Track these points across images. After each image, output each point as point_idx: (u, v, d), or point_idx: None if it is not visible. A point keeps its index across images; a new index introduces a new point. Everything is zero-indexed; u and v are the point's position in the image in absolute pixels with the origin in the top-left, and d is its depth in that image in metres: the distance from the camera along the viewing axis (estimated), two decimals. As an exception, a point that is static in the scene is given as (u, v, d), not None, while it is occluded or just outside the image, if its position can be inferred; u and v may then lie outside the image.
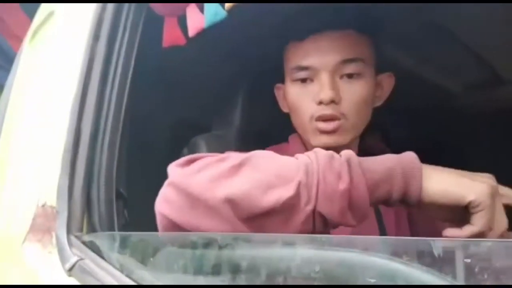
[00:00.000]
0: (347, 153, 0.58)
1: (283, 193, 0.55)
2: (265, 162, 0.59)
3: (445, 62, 1.28)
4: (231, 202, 0.56)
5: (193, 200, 0.58)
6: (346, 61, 0.79)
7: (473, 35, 1.13)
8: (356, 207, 0.56)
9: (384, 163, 0.57)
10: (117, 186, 0.80)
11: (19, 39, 1.57)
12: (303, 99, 0.82)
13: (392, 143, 1.27)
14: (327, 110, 0.79)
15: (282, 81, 0.89)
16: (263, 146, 0.93)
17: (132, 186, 0.84)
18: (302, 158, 0.59)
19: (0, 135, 1.17)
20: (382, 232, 0.85)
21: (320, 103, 0.79)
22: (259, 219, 0.56)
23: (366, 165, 0.57)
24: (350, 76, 0.80)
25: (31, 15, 1.33)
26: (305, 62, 0.81)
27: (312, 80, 0.81)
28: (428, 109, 1.55)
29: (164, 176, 0.65)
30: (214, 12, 0.78)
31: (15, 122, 1.11)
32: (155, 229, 0.64)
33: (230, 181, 0.57)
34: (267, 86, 0.95)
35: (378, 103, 0.88)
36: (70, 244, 0.67)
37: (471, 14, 1.03)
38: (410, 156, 0.58)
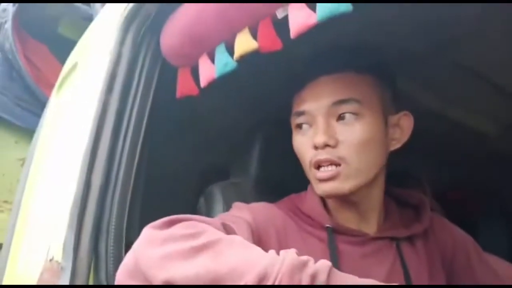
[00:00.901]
0: (320, 266, 0.52)
1: None
2: (229, 251, 0.56)
3: (475, 104, 1.23)
4: (171, 284, 0.54)
5: (138, 272, 0.58)
6: (340, 102, 0.76)
7: (502, 74, 1.08)
8: None
9: None
10: (130, 239, 0.78)
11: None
12: (303, 146, 0.79)
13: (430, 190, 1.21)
14: (322, 155, 0.75)
15: None
16: (279, 195, 0.90)
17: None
18: (268, 257, 0.54)
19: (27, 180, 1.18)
20: None
21: (316, 147, 0.76)
22: None
23: None
24: (346, 117, 0.76)
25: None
26: (301, 108, 0.79)
27: (310, 126, 0.79)
28: (462, 153, 1.48)
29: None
30: (224, 63, 0.77)
31: (38, 169, 1.13)
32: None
33: (181, 264, 0.55)
34: (284, 135, 0.92)
35: (397, 146, 0.82)
36: (72, 304, 0.65)
37: (497, 54, 0.98)
38: None
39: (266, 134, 0.99)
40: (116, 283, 0.61)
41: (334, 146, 0.75)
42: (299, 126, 0.80)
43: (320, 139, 0.74)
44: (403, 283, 0.78)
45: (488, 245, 0.97)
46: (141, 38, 0.87)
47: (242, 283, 0.52)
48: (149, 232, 0.61)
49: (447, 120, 1.24)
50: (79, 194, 0.76)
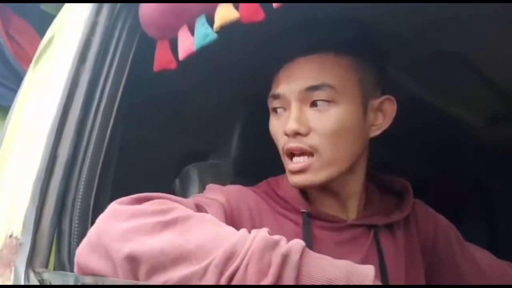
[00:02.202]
0: (293, 245, 0.49)
1: (189, 269, 0.48)
2: (198, 228, 0.52)
3: (465, 95, 1.21)
4: (133, 260, 0.51)
5: (99, 246, 0.54)
6: (312, 88, 0.71)
7: (496, 68, 1.05)
8: None
9: (328, 272, 0.47)
10: (96, 218, 0.74)
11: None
12: (277, 131, 0.76)
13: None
14: (293, 143, 0.72)
15: None
16: (258, 178, 0.87)
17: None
18: (238, 234, 0.51)
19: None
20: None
21: (286, 134, 0.72)
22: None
23: (306, 269, 0.47)
24: (320, 104, 0.72)
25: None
26: (276, 90, 0.75)
27: (285, 110, 0.75)
28: (446, 144, 1.47)
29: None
30: (204, 34, 0.73)
31: (9, 145, 1.08)
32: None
33: (146, 238, 0.52)
34: (266, 116, 0.89)
35: (377, 132, 0.78)
36: (27, 281, 0.61)
37: (492, 47, 0.96)
38: (365, 273, 0.48)
39: (247, 115, 0.95)
40: (76, 258, 0.57)
41: (305, 134, 0.71)
42: (275, 109, 0.76)
43: (291, 126, 0.70)
44: (378, 271, 0.75)
45: (469, 236, 0.95)
46: (119, 8, 0.83)
47: (208, 260, 0.48)
48: (115, 206, 0.58)
49: (432, 108, 1.22)
50: (43, 167, 0.71)
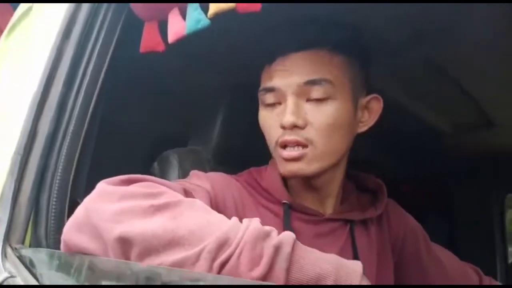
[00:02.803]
0: (284, 238, 0.50)
1: (182, 254, 0.49)
2: (189, 213, 0.53)
3: (438, 102, 1.25)
4: (125, 242, 0.51)
5: (88, 225, 0.54)
6: (311, 82, 0.73)
7: (470, 78, 1.10)
8: None
9: (318, 266, 0.49)
10: (74, 196, 0.73)
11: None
12: (270, 123, 0.77)
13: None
14: (289, 136, 0.73)
15: None
16: (239, 167, 0.88)
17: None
18: (230, 222, 0.52)
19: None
20: None
21: (283, 127, 0.73)
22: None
23: (297, 261, 0.49)
24: (318, 99, 0.74)
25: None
26: (270, 84, 0.76)
27: (280, 104, 0.76)
28: (418, 148, 1.52)
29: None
30: (196, 19, 0.72)
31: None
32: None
33: (138, 221, 0.52)
34: (250, 104, 0.89)
35: (363, 128, 0.81)
36: (4, 257, 0.60)
37: (469, 57, 1.00)
38: (353, 268, 0.50)
39: (231, 101, 0.95)
40: (62, 237, 0.57)
41: (302, 127, 0.73)
42: (267, 102, 0.77)
43: (289, 119, 0.72)
44: None
45: (431, 237, 1.00)
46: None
47: (201, 246, 0.49)
48: (104, 186, 0.57)
49: (407, 113, 1.26)
50: (23, 141, 0.70)
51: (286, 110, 0.73)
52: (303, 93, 0.74)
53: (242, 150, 0.95)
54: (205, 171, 0.82)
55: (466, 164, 1.63)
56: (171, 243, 0.50)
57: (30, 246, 0.67)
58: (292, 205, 0.78)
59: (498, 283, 0.98)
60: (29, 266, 0.58)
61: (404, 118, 1.24)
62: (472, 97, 1.20)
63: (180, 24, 0.75)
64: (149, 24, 0.81)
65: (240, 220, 0.53)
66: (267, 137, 0.78)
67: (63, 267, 0.57)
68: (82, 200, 0.75)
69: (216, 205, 0.72)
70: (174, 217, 0.52)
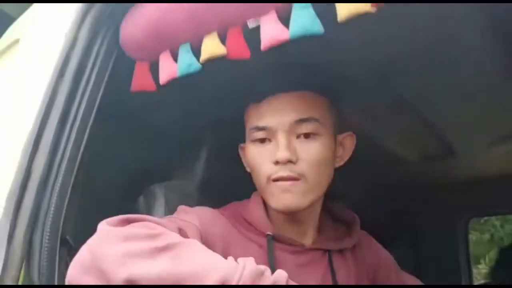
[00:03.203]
0: (277, 276, 0.55)
1: None
2: (189, 254, 0.57)
3: (403, 133, 1.33)
4: (131, 283, 0.54)
5: (94, 268, 0.57)
6: (301, 121, 0.79)
7: (434, 112, 1.18)
8: None
9: None
10: (64, 233, 0.75)
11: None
12: (261, 159, 0.81)
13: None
14: (284, 171, 0.77)
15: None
16: (223, 200, 0.91)
17: (81, 233, 0.78)
18: (227, 264, 0.56)
19: None
20: None
21: (277, 163, 0.78)
22: None
23: None
24: (306, 135, 0.79)
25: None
26: (261, 123, 0.80)
27: (270, 141, 0.81)
28: (382, 176, 1.59)
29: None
30: (188, 63, 0.76)
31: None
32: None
33: (143, 263, 0.55)
34: (233, 139, 0.93)
35: (340, 163, 0.87)
36: (1, 298, 0.61)
37: (434, 94, 1.08)
38: None
39: (215, 136, 0.99)
40: (68, 279, 0.58)
41: (295, 162, 0.77)
42: (258, 140, 0.81)
43: (284, 155, 0.76)
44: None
45: (399, 263, 1.06)
46: (100, 25, 0.84)
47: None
48: (106, 228, 0.60)
49: (373, 143, 1.33)
50: (18, 181, 0.71)
51: (279, 146, 0.77)
52: (293, 130, 0.79)
53: (226, 184, 0.98)
54: (191, 204, 0.85)
55: (430, 191, 1.72)
56: (175, 283, 0.53)
57: (23, 283, 0.67)
58: (275, 236, 0.82)
59: None
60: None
61: (370, 148, 1.31)
62: (436, 129, 1.29)
63: (172, 67, 0.79)
64: (140, 64, 0.85)
65: (230, 255, 0.58)
66: (256, 171, 0.82)
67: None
68: (71, 237, 0.77)
69: (206, 240, 0.75)
70: (176, 259, 0.55)
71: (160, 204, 0.90)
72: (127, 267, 0.54)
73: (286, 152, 0.77)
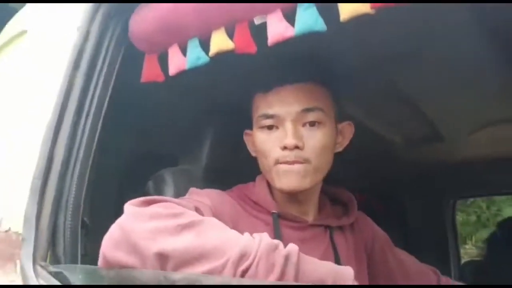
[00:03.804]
0: (290, 249, 0.61)
1: (211, 265, 0.59)
2: (211, 231, 0.63)
3: (392, 117, 1.40)
4: (162, 256, 0.61)
5: (126, 243, 0.63)
6: (307, 110, 0.86)
7: (422, 97, 1.25)
8: None
9: (318, 271, 0.61)
10: (82, 215, 0.80)
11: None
12: (269, 145, 0.87)
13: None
14: (290, 156, 0.84)
15: (250, 126, 0.94)
16: (227, 184, 0.97)
17: (96, 215, 0.84)
18: (245, 238, 0.62)
19: None
20: None
21: (285, 148, 0.84)
22: None
23: (302, 268, 0.60)
24: (312, 124, 0.86)
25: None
26: (270, 111, 0.87)
27: (277, 128, 0.87)
28: (372, 159, 1.66)
29: (121, 205, 0.68)
30: (197, 57, 0.81)
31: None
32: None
33: (170, 238, 0.62)
34: (235, 126, 0.99)
35: (339, 149, 0.94)
36: (36, 274, 0.66)
37: (422, 79, 1.14)
38: (347, 272, 0.62)
39: (217, 124, 1.05)
40: (101, 255, 0.64)
41: (301, 149, 0.84)
42: (266, 127, 0.87)
43: (292, 141, 0.83)
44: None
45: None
46: (110, 19, 0.88)
47: (225, 258, 0.59)
48: (132, 208, 0.66)
49: (364, 128, 1.39)
50: (42, 167, 0.76)
51: (287, 133, 0.84)
52: (299, 119, 0.86)
53: (230, 168, 1.04)
54: (198, 187, 0.91)
55: (419, 173, 1.80)
56: (201, 257, 0.60)
57: (49, 262, 0.73)
58: (280, 214, 0.89)
59: (456, 282, 1.13)
60: (62, 281, 0.65)
61: (360, 132, 1.37)
62: (423, 113, 1.36)
63: (181, 59, 0.84)
64: (149, 56, 0.90)
65: (254, 234, 0.64)
66: (263, 156, 0.88)
67: (94, 278, 0.65)
68: (88, 219, 0.83)
69: (217, 219, 0.81)
70: (198, 235, 0.62)
71: (169, 188, 0.96)
72: (157, 242, 0.61)
73: (293, 139, 0.83)
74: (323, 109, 0.87)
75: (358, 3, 0.65)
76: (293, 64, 0.88)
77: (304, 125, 0.86)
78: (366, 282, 0.96)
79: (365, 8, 0.65)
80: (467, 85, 1.15)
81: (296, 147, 0.83)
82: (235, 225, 0.84)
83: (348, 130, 0.95)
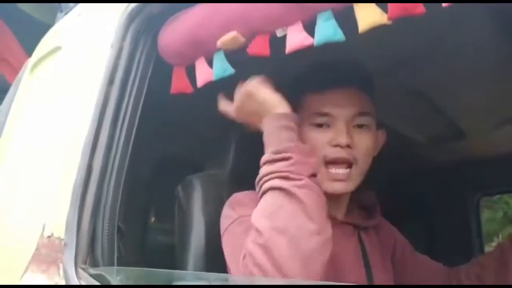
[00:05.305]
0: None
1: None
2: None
3: (415, 117, 1.41)
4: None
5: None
6: (360, 114, 0.91)
7: (443, 97, 1.26)
8: None
9: None
10: (117, 221, 0.86)
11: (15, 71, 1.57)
12: (319, 142, 0.90)
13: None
14: (342, 153, 0.88)
15: None
16: (252, 187, 1.01)
17: (130, 220, 0.90)
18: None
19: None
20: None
21: (337, 145, 0.88)
22: None
23: None
24: (360, 126, 0.91)
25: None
26: (326, 109, 0.91)
27: (328, 126, 0.91)
28: (395, 158, 1.67)
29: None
30: (223, 68, 0.86)
31: (11, 142, 1.15)
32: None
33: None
34: (257, 135, 1.03)
35: (374, 154, 0.98)
36: (78, 276, 0.72)
37: (443, 80, 1.16)
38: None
39: (241, 131, 1.09)
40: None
41: (352, 147, 0.89)
42: (318, 124, 0.92)
43: (346, 140, 0.88)
44: (362, 262, 0.94)
45: (413, 243, 1.15)
46: (140, 36, 0.93)
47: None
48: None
49: (387, 128, 1.41)
50: (82, 176, 0.82)
51: (341, 132, 0.89)
52: (352, 120, 0.91)
53: (255, 173, 1.08)
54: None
55: (442, 172, 1.81)
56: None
57: (89, 265, 0.79)
58: None
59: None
60: (102, 283, 0.71)
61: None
62: (445, 112, 1.38)
63: (208, 71, 0.88)
64: (177, 69, 0.95)
65: None
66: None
67: (131, 279, 0.70)
68: (123, 224, 0.88)
69: None
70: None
71: (197, 192, 1.01)
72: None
73: (347, 138, 0.88)
74: (371, 114, 0.92)
75: (374, 15, 0.68)
76: (343, 69, 0.93)
77: (354, 127, 0.91)
78: (392, 283, 0.98)
79: (382, 19, 0.69)
80: (486, 82, 1.17)
81: (348, 145, 0.88)
82: None
83: (382, 136, 0.99)
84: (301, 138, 0.93)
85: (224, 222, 0.90)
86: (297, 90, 0.96)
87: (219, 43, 0.84)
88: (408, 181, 1.83)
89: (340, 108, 0.90)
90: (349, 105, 0.91)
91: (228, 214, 0.90)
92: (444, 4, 0.64)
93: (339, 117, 0.90)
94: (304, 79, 0.96)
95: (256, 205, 0.86)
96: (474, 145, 1.66)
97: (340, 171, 0.88)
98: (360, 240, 0.97)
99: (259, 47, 0.82)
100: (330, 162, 0.89)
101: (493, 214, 4.80)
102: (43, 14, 1.71)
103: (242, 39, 0.83)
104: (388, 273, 1.00)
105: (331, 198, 0.93)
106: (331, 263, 0.78)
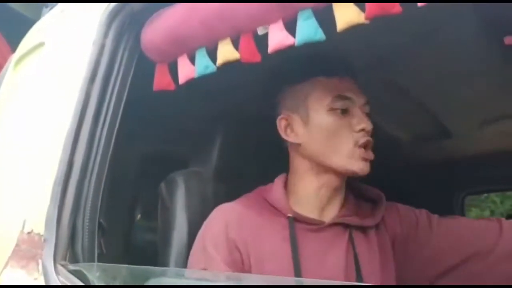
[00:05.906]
0: None
1: None
2: None
3: (399, 115, 1.42)
4: None
5: None
6: (367, 103, 0.94)
7: (428, 95, 1.27)
8: None
9: None
10: (99, 217, 0.86)
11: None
12: (342, 128, 0.91)
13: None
14: (366, 138, 0.91)
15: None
16: (238, 184, 1.02)
17: (111, 217, 0.90)
18: None
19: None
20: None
21: (361, 130, 0.90)
22: None
23: None
24: (368, 115, 0.94)
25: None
26: (346, 93, 0.92)
27: (347, 111, 0.92)
28: (378, 156, 1.68)
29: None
30: (205, 66, 0.86)
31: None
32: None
33: None
34: (243, 128, 1.03)
35: None
36: (57, 272, 0.72)
37: (427, 77, 1.17)
38: None
39: (226, 127, 1.09)
40: None
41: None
42: (338, 109, 0.92)
43: (370, 125, 0.91)
44: (353, 267, 0.91)
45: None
46: (123, 33, 0.93)
47: None
48: None
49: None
50: (62, 172, 0.82)
51: (363, 118, 0.91)
52: (362, 108, 0.94)
53: (239, 170, 1.08)
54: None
55: (427, 170, 1.82)
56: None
57: (69, 261, 0.79)
58: (296, 217, 0.91)
59: None
60: (81, 279, 0.71)
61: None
62: (430, 111, 1.38)
63: (190, 68, 0.89)
64: (160, 65, 0.95)
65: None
66: (337, 138, 0.91)
67: (108, 277, 0.70)
68: (105, 221, 0.88)
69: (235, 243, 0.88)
70: None
71: (180, 190, 1.01)
72: None
73: (371, 124, 0.91)
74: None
75: (352, 14, 0.69)
76: (346, 60, 0.96)
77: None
78: (392, 283, 0.95)
79: (360, 18, 0.69)
80: (471, 80, 1.17)
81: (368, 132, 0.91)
82: (257, 236, 0.88)
83: None
84: (319, 123, 0.93)
85: (191, 258, 0.88)
86: (309, 74, 0.95)
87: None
88: (393, 180, 1.82)
89: (354, 94, 0.93)
90: (361, 93, 0.94)
91: (197, 254, 0.87)
92: (419, 4, 0.64)
93: (357, 103, 0.93)
94: (316, 64, 0.95)
95: (238, 231, 0.87)
96: (459, 143, 1.66)
97: (370, 153, 0.91)
98: (352, 242, 0.93)
99: (249, 53, 0.81)
100: (363, 146, 0.91)
101: (481, 213, 4.84)
102: (29, 10, 1.70)
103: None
104: (387, 274, 0.95)
105: (325, 196, 0.94)
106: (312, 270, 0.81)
